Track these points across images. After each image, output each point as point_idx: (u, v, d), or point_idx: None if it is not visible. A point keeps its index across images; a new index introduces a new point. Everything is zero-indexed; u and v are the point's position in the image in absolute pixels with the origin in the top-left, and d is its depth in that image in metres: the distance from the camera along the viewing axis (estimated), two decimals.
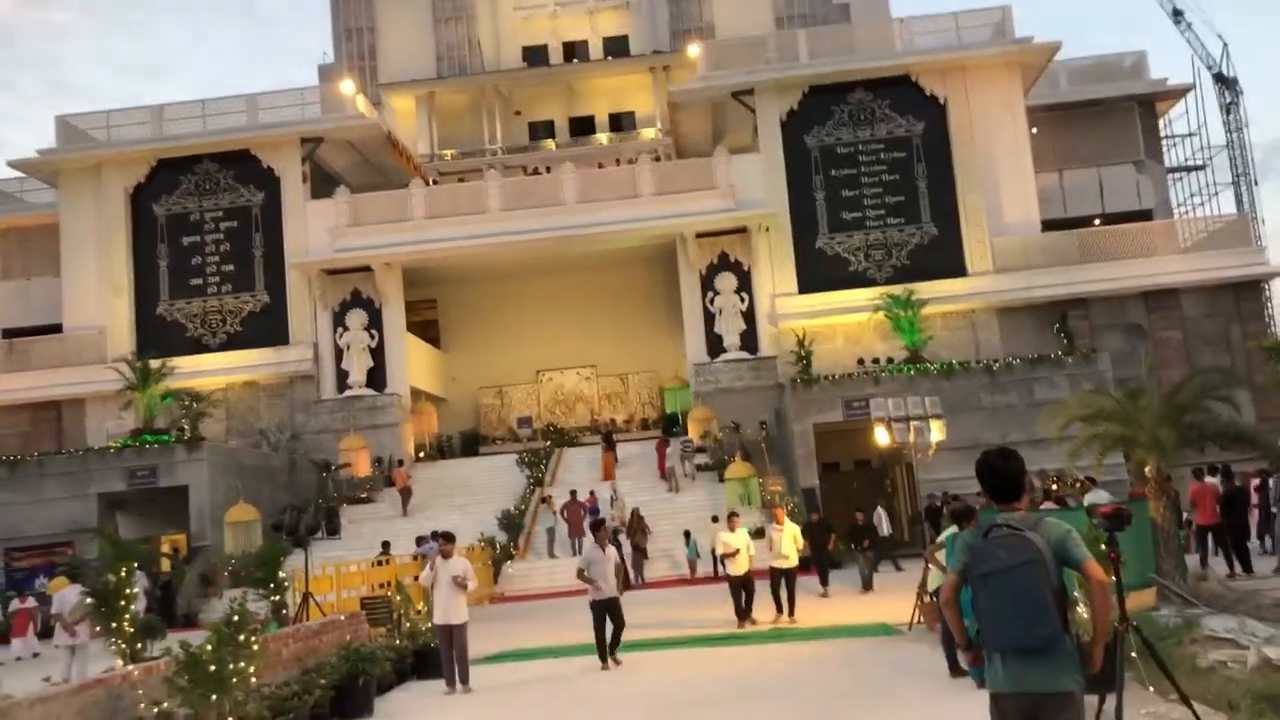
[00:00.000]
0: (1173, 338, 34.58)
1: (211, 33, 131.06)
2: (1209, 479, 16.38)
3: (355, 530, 28.14)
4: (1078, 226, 37.52)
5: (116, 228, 36.11)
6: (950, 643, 9.47)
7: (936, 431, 15.88)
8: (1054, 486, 17.98)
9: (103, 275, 35.97)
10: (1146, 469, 13.05)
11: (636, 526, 25.48)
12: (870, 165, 35.58)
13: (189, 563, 26.08)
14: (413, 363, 36.38)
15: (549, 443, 35.16)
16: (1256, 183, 48.96)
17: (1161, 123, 42.68)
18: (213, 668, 7.55)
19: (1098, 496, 14.98)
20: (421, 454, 35.07)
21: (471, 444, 38.29)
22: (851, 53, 36.32)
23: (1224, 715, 6.51)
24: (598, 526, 14.87)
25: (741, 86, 35.93)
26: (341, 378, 35.05)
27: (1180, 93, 42.14)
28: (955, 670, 9.63)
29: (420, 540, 22.20)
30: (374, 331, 35.28)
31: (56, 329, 36.89)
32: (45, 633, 20.59)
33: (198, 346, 35.30)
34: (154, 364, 30.74)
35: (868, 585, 19.19)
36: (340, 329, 35.33)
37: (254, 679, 8.09)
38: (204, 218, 36.37)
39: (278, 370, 35.05)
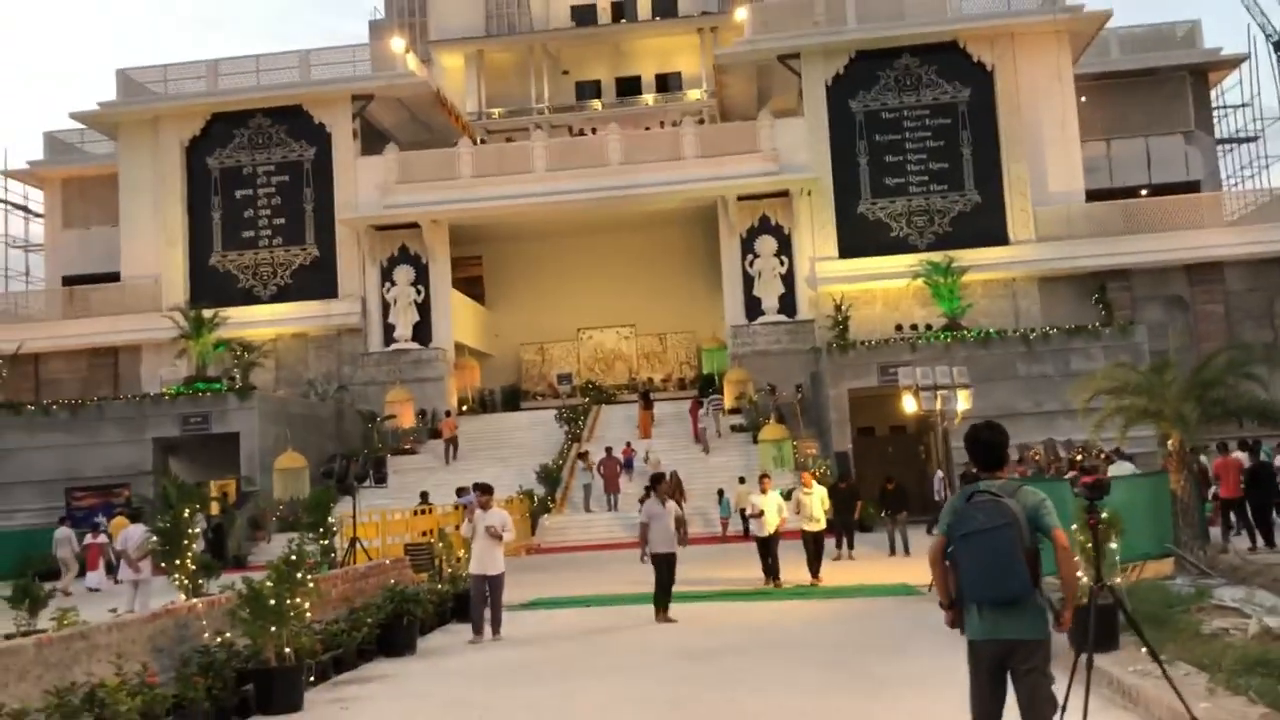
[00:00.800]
0: (1215, 311, 34.44)
1: None
2: (1237, 453, 16.63)
3: (401, 480, 29.00)
4: (1124, 196, 37.30)
5: (172, 180, 36.98)
6: None
7: (964, 400, 16.22)
8: (1079, 457, 18.28)
9: (159, 226, 36.92)
10: (1170, 442, 13.37)
11: (674, 487, 26.02)
12: (915, 131, 35.55)
13: (239, 507, 27.06)
14: (457, 318, 37.11)
15: (587, 400, 35.81)
16: None
17: (1214, 93, 42.08)
18: (273, 602, 8.23)
19: (1122, 468, 15.31)
20: (464, 407, 35.89)
21: (512, 399, 39.04)
22: (899, 18, 36.18)
23: (1206, 676, 6.93)
24: (658, 480, 14.69)
25: (788, 50, 35.96)
26: (388, 331, 35.85)
27: (1234, 63, 41.49)
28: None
29: (460, 491, 22.88)
30: (420, 287, 36.00)
31: (113, 277, 37.97)
32: (107, 569, 21.70)
33: (249, 297, 36.21)
34: (207, 314, 31.64)
35: (894, 550, 19.63)
36: (388, 284, 36.08)
37: (308, 614, 8.79)
38: (256, 171, 37.14)
39: (326, 323, 35.91)
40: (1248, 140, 43.17)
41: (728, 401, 32.95)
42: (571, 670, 10.03)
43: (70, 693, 6.38)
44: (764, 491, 16.45)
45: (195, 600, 9.19)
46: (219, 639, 8.40)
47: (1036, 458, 19.63)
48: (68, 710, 6.18)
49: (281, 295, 36.42)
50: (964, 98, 35.38)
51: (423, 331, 35.95)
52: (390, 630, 10.80)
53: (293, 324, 35.94)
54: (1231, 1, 47.07)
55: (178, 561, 9.85)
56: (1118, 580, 8.64)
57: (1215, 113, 42.48)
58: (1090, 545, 7.33)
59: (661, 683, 9.23)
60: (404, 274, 36.15)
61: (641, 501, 25.29)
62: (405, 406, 33.18)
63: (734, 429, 31.49)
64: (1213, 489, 17.09)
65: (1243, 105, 42.80)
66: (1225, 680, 6.60)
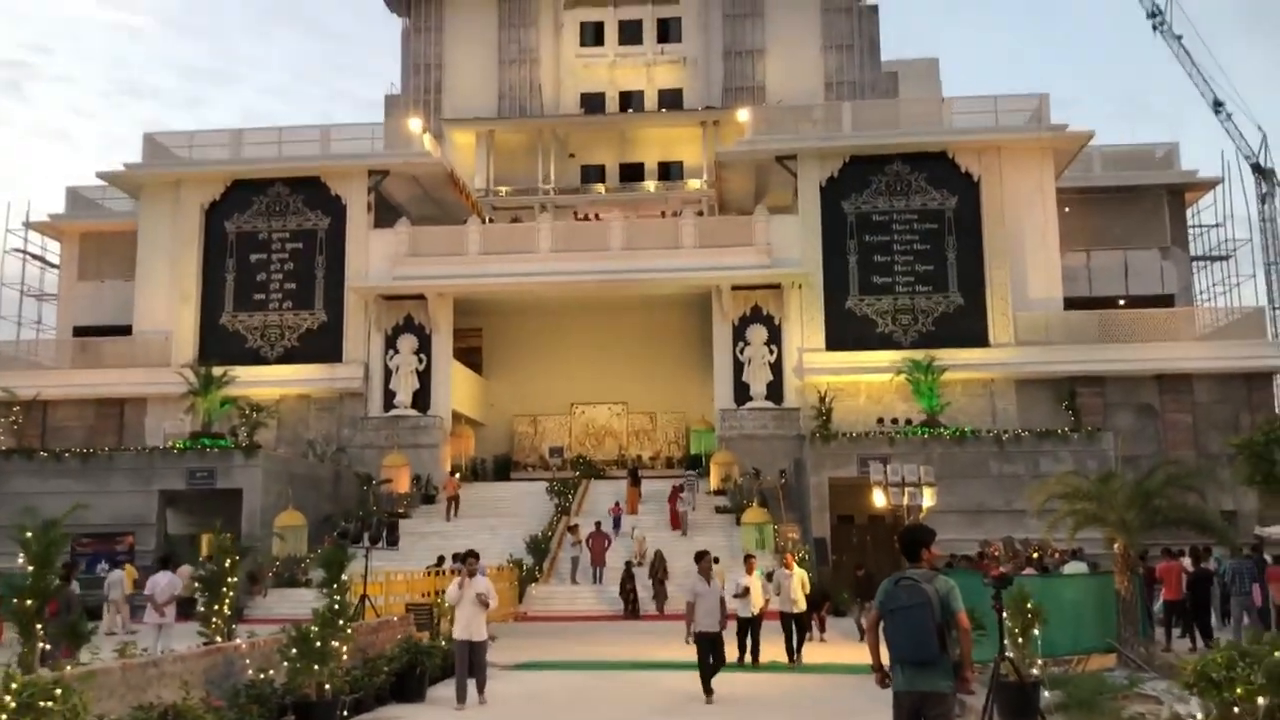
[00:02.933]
0: (1183, 420, 35.90)
1: (280, 44, 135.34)
2: (1183, 559, 17.88)
3: (408, 542, 30.05)
4: (1102, 305, 39.02)
5: (190, 241, 38.49)
6: None
7: (929, 497, 17.49)
8: (1035, 554, 19.50)
9: (173, 284, 38.33)
10: (1115, 546, 14.66)
11: (659, 566, 27.08)
12: (903, 234, 37.32)
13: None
14: (456, 387, 38.43)
15: (578, 473, 36.95)
16: None
17: (1189, 212, 44.14)
18: (318, 644, 9.41)
19: (1076, 568, 16.57)
20: (457, 474, 36.93)
21: (504, 469, 40.15)
22: (893, 126, 38.23)
23: None
24: (701, 557, 14.18)
25: (785, 151, 37.90)
26: (388, 397, 37.10)
27: (1209, 184, 43.61)
28: None
29: (457, 556, 24.00)
30: (422, 356, 37.34)
31: (124, 330, 39.26)
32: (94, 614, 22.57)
33: (256, 358, 37.48)
34: (216, 372, 32.85)
35: (862, 635, 20.54)
36: (391, 351, 37.43)
37: (345, 657, 9.97)
38: (271, 237, 38.68)
39: (329, 386, 37.16)
40: (1221, 258, 45.17)
41: (713, 483, 34.18)
42: (565, 714, 11.17)
43: (150, 710, 7.54)
44: (749, 572, 16.85)
45: (238, 641, 10.38)
46: (261, 675, 9.58)
47: (996, 553, 20.84)
48: None
49: (288, 357, 37.71)
50: (951, 205, 37.23)
51: (422, 399, 37.22)
52: (403, 679, 11.96)
53: (297, 385, 37.17)
54: (1208, 127, 49.61)
55: (216, 607, 10.99)
56: (1038, 665, 9.84)
57: (1191, 230, 44.51)
58: (1016, 630, 8.59)
59: None
60: (407, 343, 37.52)
61: (634, 575, 26.50)
62: (401, 471, 34.30)
63: (718, 510, 32.64)
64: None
65: (1217, 225, 44.89)
66: None
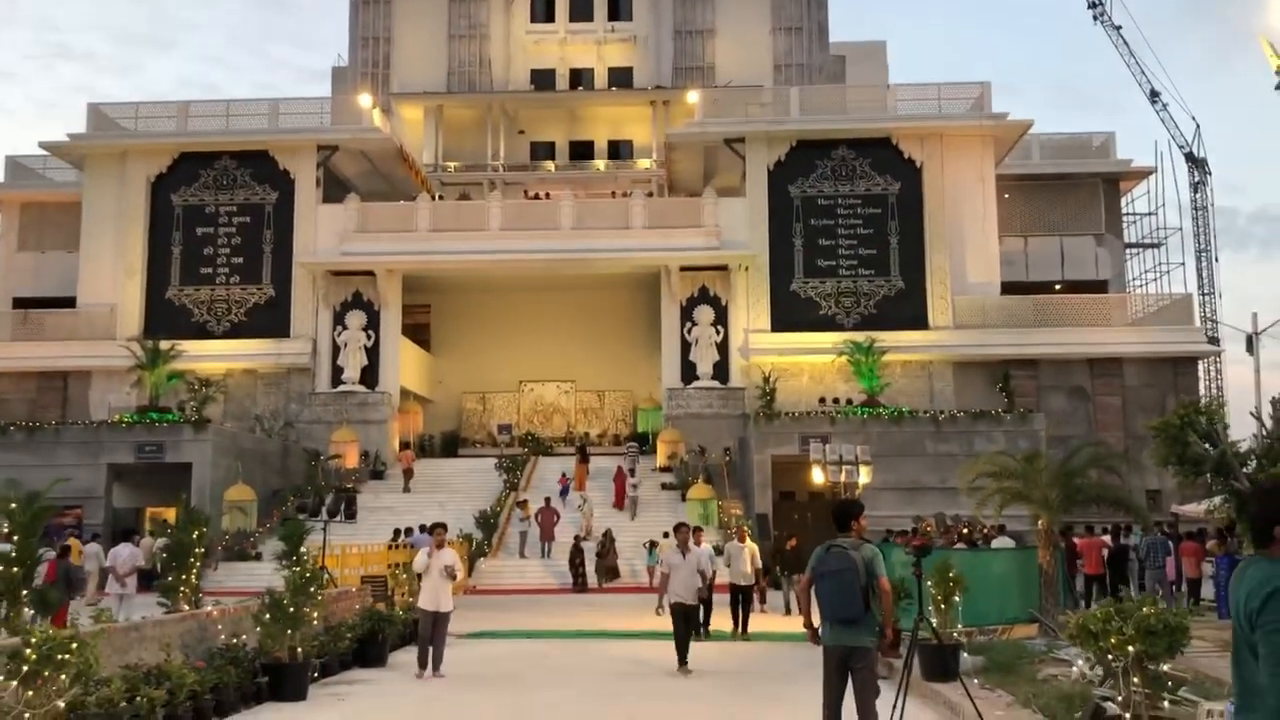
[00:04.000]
0: (1113, 403, 37.23)
1: (218, 8, 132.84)
2: (1104, 536, 18.89)
3: (362, 516, 30.38)
4: (1039, 290, 40.22)
5: (135, 213, 38.20)
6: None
7: (865, 475, 18.28)
8: (965, 530, 20.43)
9: (118, 256, 38.04)
10: (1039, 522, 15.55)
11: (608, 547, 27.71)
12: (847, 218, 38.15)
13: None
14: (404, 364, 38.65)
15: (526, 450, 37.43)
16: (1217, 259, 52.24)
17: (1124, 200, 45.54)
18: (291, 609, 9.89)
19: (1004, 543, 17.48)
20: (410, 448, 37.23)
21: (451, 445, 40.50)
22: (841, 112, 38.99)
23: (1011, 697, 8.97)
24: (679, 529, 14.26)
25: (734, 135, 38.51)
26: (336, 373, 37.25)
27: (1143, 174, 45.02)
28: None
29: (406, 532, 24.46)
30: (371, 332, 37.50)
31: (65, 301, 38.91)
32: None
33: (202, 332, 37.38)
34: (164, 346, 32.81)
35: (789, 610, 20.40)
36: (339, 327, 37.53)
37: (316, 621, 10.47)
38: (219, 211, 38.52)
39: (277, 361, 37.20)
40: (1152, 246, 46.73)
41: (660, 460, 34.87)
42: (521, 682, 11.81)
43: (136, 669, 7.99)
44: (697, 544, 17.40)
45: (210, 608, 10.82)
46: (234, 639, 10.04)
47: (929, 529, 21.76)
48: (137, 680, 7.83)
49: (235, 331, 37.66)
50: (894, 190, 38.12)
51: (370, 375, 37.40)
52: (366, 645, 12.46)
53: (244, 360, 37.16)
54: (1143, 118, 51.06)
55: (184, 576, 11.40)
56: (959, 630, 10.61)
57: (1125, 218, 45.95)
58: (939, 598, 9.31)
59: (597, 693, 11.04)
60: (356, 319, 37.63)
61: (584, 548, 27.08)
62: (350, 447, 34.55)
63: (664, 487, 33.35)
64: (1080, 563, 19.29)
65: (1149, 214, 46.39)
66: (1023, 702, 8.61)
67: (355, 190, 40.07)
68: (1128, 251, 46.04)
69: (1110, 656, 6.85)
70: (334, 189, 39.61)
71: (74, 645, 6.52)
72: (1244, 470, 14.75)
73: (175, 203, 38.47)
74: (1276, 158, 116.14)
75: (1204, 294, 54.36)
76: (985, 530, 19.40)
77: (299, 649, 9.94)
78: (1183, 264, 45.47)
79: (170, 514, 30.59)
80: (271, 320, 37.65)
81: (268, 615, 9.92)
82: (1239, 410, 36.56)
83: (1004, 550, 16.58)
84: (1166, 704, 6.87)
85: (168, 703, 8.12)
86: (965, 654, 10.69)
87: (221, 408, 36.02)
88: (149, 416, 31.20)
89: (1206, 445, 15.13)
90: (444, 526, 13.47)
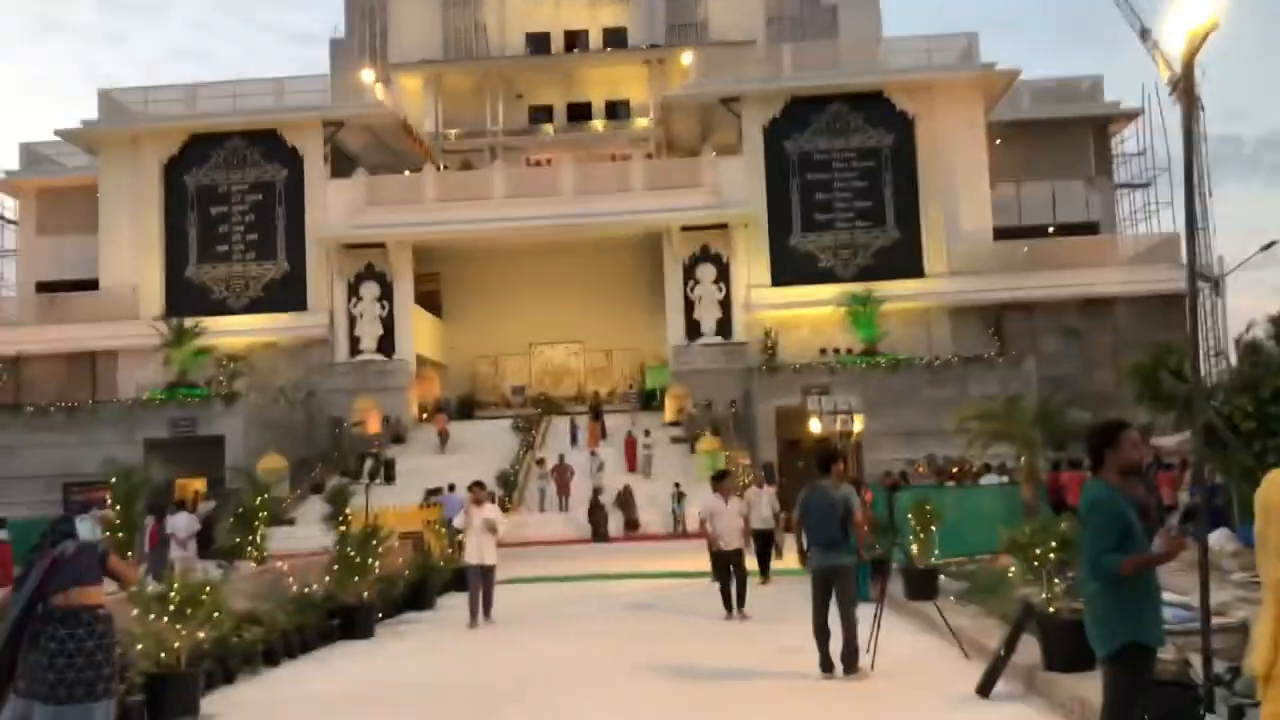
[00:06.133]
0: (1105, 342, 38.38)
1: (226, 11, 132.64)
2: (1085, 471, 20.20)
3: (400, 478, 31.81)
4: (1032, 235, 41.26)
5: (150, 195, 39.37)
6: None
7: (858, 423, 19.59)
8: (955, 470, 21.78)
9: (137, 238, 39.27)
10: (1021, 459, 16.91)
11: (626, 499, 29.19)
12: (842, 172, 39.18)
13: (225, 503, 29.65)
14: (418, 332, 39.99)
15: (539, 411, 38.84)
16: (1211, 193, 53.18)
17: (1114, 142, 46.42)
18: (357, 560, 11.32)
19: (990, 479, 18.85)
20: (424, 415, 38.71)
21: (467, 408, 41.88)
22: (834, 67, 39.88)
23: (980, 608, 10.40)
24: (721, 476, 14.43)
25: (729, 94, 39.46)
26: (354, 343, 38.61)
27: (1132, 116, 45.75)
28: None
29: (435, 492, 25.89)
30: (385, 302, 38.81)
31: (86, 284, 40.19)
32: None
33: (222, 308, 38.69)
34: (188, 324, 34.15)
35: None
36: (354, 299, 38.84)
37: (377, 570, 11.91)
38: (231, 190, 39.67)
39: (295, 334, 38.55)
40: (1142, 186, 47.60)
41: (668, 415, 36.28)
42: (558, 619, 13.30)
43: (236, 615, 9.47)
44: (759, 487, 16.75)
45: (280, 563, 12.27)
46: (305, 589, 11.50)
47: (921, 470, 23.12)
48: (240, 622, 9.34)
49: (253, 307, 38.97)
50: (887, 143, 39.10)
51: (386, 344, 38.75)
52: (416, 591, 13.94)
53: (264, 334, 38.49)
54: (1131, 59, 51.68)
55: (250, 538, 12.85)
56: (935, 557, 12.01)
57: (1115, 160, 46.86)
58: (919, 529, 10.70)
59: (611, 626, 12.51)
60: (370, 290, 38.93)
61: (593, 506, 28.50)
62: (372, 413, 35.97)
63: (673, 440, 34.76)
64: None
65: (1139, 154, 47.25)
66: (987, 612, 10.03)
67: (361, 163, 41.16)
68: (1118, 192, 46.99)
69: (1036, 564, 8.25)
70: (341, 163, 40.70)
71: (208, 589, 7.95)
72: (1212, 404, 16.05)
73: (189, 184, 39.62)
74: None
75: (1198, 229, 55.00)
76: (973, 469, 20.76)
77: (365, 594, 11.41)
78: (1170, 203, 46.33)
79: (199, 484, 32.28)
80: (288, 294, 38.93)
81: (337, 566, 11.36)
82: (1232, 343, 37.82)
83: (989, 486, 17.95)
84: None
85: (265, 639, 9.69)
86: (943, 577, 12.09)
87: (245, 381, 37.38)
88: (179, 393, 32.61)
89: (1177, 383, 16.43)
90: (482, 484, 14.39)
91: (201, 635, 8.19)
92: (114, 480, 10.90)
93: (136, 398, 33.96)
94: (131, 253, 39.31)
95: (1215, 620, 7.35)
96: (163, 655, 7.82)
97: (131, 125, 39.77)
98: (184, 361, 33.89)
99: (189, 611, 7.91)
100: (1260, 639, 5.00)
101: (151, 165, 39.46)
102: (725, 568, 13.12)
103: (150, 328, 34.98)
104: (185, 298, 38.39)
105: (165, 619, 7.86)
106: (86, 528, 5.74)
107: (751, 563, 17.77)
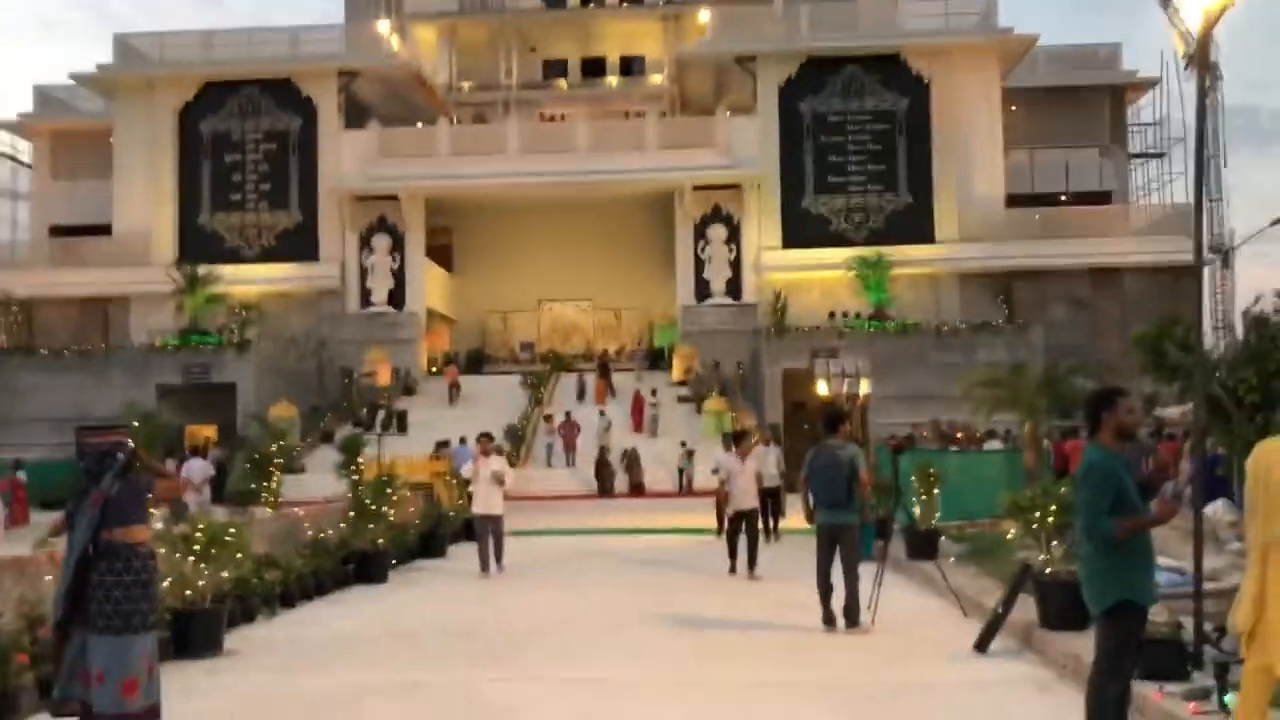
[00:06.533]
0: (1113, 312, 38.37)
1: None
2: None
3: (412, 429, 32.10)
4: (1045, 202, 41.16)
5: (165, 142, 39.42)
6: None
7: (865, 387, 19.80)
8: (959, 435, 22.01)
9: (150, 184, 39.37)
10: (1025, 426, 17.12)
11: (633, 461, 29.48)
12: (856, 135, 39.06)
13: (236, 449, 30.02)
14: (428, 285, 40.17)
15: (548, 367, 39.06)
16: (1225, 164, 52.95)
17: (1129, 110, 46.15)
18: (372, 507, 11.61)
19: (993, 444, 19.07)
20: (434, 368, 38.97)
21: (476, 362, 42.11)
22: (851, 29, 39.61)
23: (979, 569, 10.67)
24: (740, 438, 14.32)
25: (745, 53, 39.26)
26: (365, 295, 38.80)
27: (1148, 84, 45.42)
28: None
29: (444, 444, 26.20)
30: (396, 255, 38.96)
31: (100, 229, 40.29)
32: None
33: (235, 256, 38.83)
34: (201, 271, 34.36)
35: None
36: (366, 250, 38.99)
37: (393, 517, 12.21)
38: (245, 138, 39.68)
39: (307, 284, 38.74)
40: (1156, 156, 47.37)
41: (676, 374, 36.51)
42: (567, 569, 13.65)
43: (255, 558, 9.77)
44: (765, 445, 16.37)
45: (297, 509, 12.57)
46: (321, 535, 11.81)
47: (925, 434, 23.37)
48: (260, 564, 9.63)
49: (266, 256, 39.13)
50: (902, 106, 38.93)
51: (397, 296, 38.94)
52: (428, 539, 14.26)
53: (276, 284, 38.62)
54: (1149, 27, 51.17)
55: (266, 485, 13.15)
56: (936, 518, 12.28)
57: (1130, 129, 46.61)
58: (921, 491, 10.95)
59: (618, 579, 12.84)
60: (382, 242, 39.07)
61: (598, 465, 28.82)
62: (382, 365, 36.24)
63: (680, 400, 35.00)
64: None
65: (1154, 124, 46.97)
66: (986, 572, 10.30)
67: (375, 114, 41.10)
68: (1132, 162, 46.78)
69: (1035, 527, 8.50)
70: (354, 114, 40.64)
71: (232, 530, 8.24)
72: (1216, 376, 16.21)
73: (203, 131, 39.64)
74: None
75: (1211, 201, 55.02)
76: (978, 434, 20.99)
77: (379, 540, 11.72)
78: (1185, 174, 46.12)
79: (210, 431, 32.66)
80: (301, 244, 39.07)
81: (352, 512, 11.67)
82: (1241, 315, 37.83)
83: (993, 452, 18.18)
84: None
85: (283, 581, 10.01)
86: (945, 539, 12.35)
87: (257, 329, 37.64)
88: (192, 339, 32.89)
89: (1182, 354, 16.59)
90: (490, 436, 14.55)
91: (225, 575, 8.51)
92: (135, 424, 11.20)
93: (149, 343, 34.25)
94: (145, 199, 39.42)
95: (1208, 585, 7.60)
96: (188, 594, 8.13)
97: (147, 71, 39.73)
98: (196, 309, 34.15)
99: (214, 552, 8.22)
100: (1244, 597, 5.26)
101: (166, 111, 39.47)
102: (738, 527, 13.08)
103: (164, 274, 35.19)
104: (198, 245, 38.52)
105: (191, 559, 8.15)
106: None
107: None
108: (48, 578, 7.78)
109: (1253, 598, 5.23)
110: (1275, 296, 16.06)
